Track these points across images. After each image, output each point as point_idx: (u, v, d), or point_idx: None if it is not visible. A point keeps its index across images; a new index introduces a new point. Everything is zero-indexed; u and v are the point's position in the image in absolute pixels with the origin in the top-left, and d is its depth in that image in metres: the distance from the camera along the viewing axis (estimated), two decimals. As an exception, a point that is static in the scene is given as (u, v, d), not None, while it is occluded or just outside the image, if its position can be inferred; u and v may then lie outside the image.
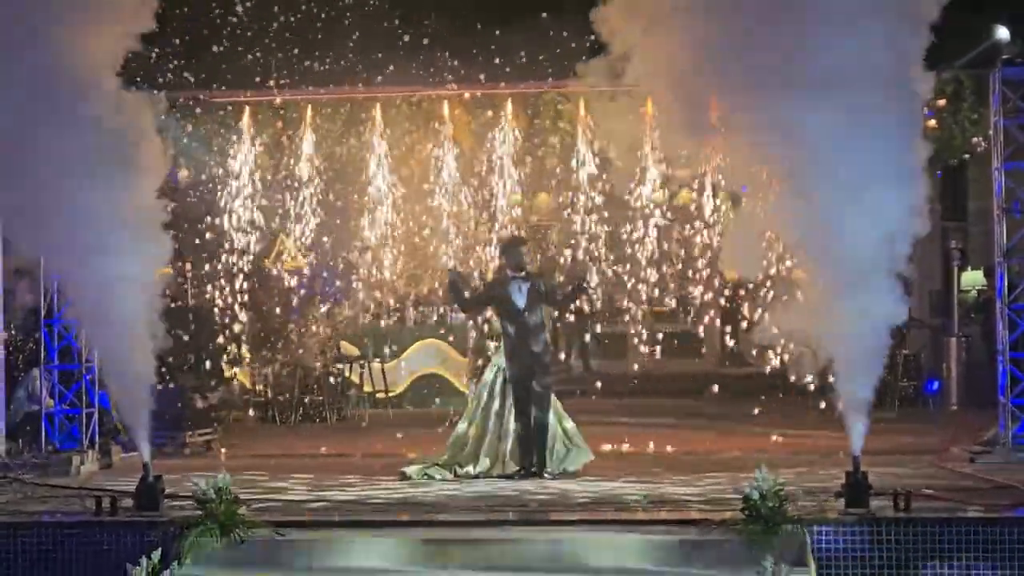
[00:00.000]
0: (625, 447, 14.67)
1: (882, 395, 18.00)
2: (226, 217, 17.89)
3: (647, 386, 20.30)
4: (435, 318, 20.84)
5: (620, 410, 17.94)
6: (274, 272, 19.40)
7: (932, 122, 16.75)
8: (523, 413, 12.47)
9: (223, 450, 15.34)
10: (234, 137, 17.47)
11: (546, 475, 12.35)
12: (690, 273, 18.07)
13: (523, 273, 12.57)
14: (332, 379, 18.83)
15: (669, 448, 14.64)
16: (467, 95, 17.21)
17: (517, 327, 12.49)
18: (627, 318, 19.91)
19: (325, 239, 18.73)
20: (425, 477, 12.36)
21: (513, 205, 18.31)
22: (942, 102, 16.76)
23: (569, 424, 12.70)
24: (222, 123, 17.62)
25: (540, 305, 12.59)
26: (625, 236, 18.18)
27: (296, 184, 17.89)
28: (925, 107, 16.08)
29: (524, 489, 11.83)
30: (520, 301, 12.46)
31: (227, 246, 18.40)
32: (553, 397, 12.64)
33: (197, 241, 18.71)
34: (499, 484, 12.11)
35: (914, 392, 18.86)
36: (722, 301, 20.46)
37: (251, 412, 18.70)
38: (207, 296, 19.29)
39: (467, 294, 13.31)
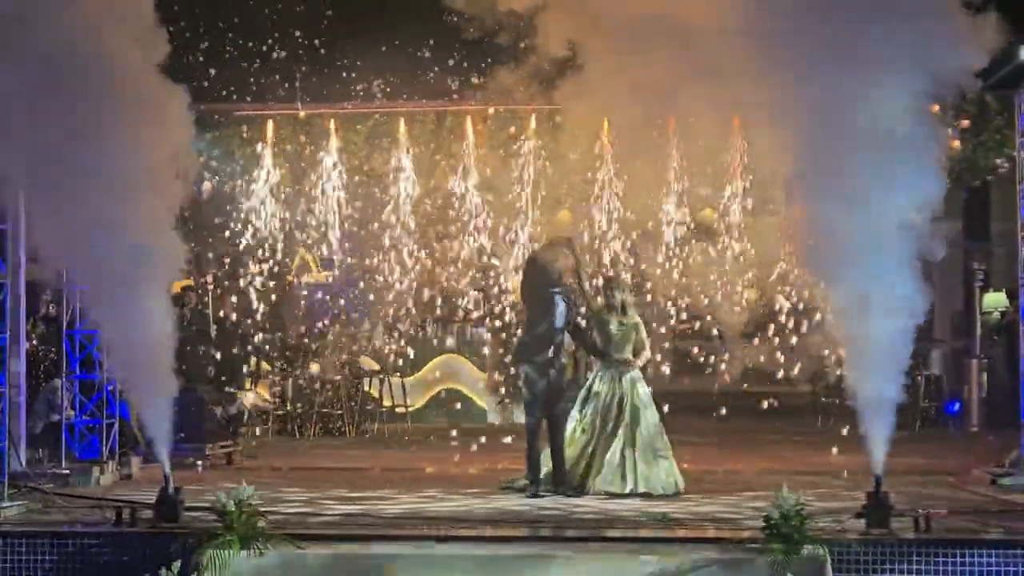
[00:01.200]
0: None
1: (903, 416, 18.06)
2: (248, 230, 17.86)
3: (666, 403, 20.23)
4: (454, 333, 20.86)
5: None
6: (296, 286, 19.40)
7: (956, 143, 16.69)
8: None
9: (244, 462, 15.39)
10: (256, 149, 17.49)
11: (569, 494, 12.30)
12: (713, 292, 17.93)
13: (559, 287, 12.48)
14: (351, 393, 18.83)
15: (686, 466, 14.59)
16: (491, 110, 17.21)
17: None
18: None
19: (346, 255, 18.69)
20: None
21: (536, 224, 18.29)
22: (966, 123, 16.69)
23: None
24: (245, 136, 17.67)
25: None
26: (646, 255, 18.10)
27: (319, 198, 17.89)
28: (949, 128, 16.28)
29: (534, 504, 11.84)
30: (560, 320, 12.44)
31: (249, 259, 18.42)
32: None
33: (219, 255, 18.76)
34: (510, 500, 12.10)
35: (935, 413, 18.79)
36: (740, 316, 20.43)
37: (271, 425, 18.69)
38: (229, 308, 19.33)
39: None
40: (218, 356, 17.41)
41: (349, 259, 18.85)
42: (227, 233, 18.19)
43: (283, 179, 17.63)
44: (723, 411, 18.08)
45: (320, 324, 19.11)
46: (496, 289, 18.79)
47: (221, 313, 19.31)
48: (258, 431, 18.49)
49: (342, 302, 19.17)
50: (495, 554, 9.71)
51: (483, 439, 16.41)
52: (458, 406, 20.08)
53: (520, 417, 19.03)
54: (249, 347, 19.45)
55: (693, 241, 17.64)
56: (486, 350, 19.56)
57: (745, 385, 19.75)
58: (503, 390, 20.00)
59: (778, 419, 18.88)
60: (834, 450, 14.90)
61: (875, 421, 9.99)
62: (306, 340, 19.10)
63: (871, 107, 9.53)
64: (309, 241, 18.51)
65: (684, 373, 21.00)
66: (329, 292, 19.25)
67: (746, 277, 17.80)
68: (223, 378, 17.24)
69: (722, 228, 17.44)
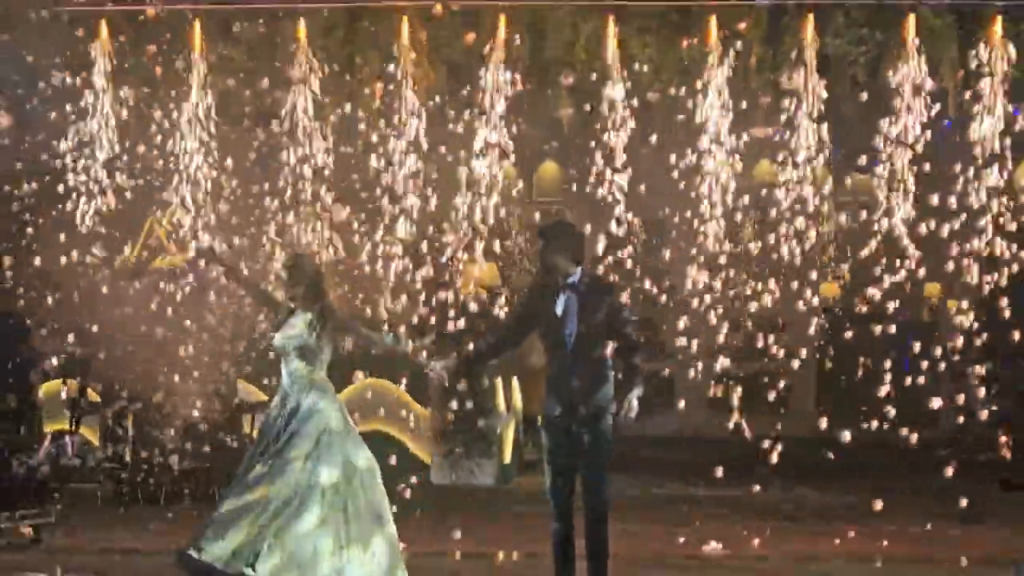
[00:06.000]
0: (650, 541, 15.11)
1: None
2: (66, 186, 17.73)
3: (698, 453, 20.28)
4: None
5: (651, 491, 17.95)
6: (141, 273, 19.29)
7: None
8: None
9: (58, 540, 15.26)
10: (84, 61, 17.38)
11: None
12: (772, 287, 17.99)
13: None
14: (225, 436, 18.73)
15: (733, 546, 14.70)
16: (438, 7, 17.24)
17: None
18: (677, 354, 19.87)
19: (217, 228, 18.59)
20: None
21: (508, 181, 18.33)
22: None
23: None
24: (69, 39, 17.56)
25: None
26: (672, 228, 18.17)
27: (176, 139, 17.78)
28: None
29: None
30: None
31: (66, 231, 18.28)
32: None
33: (20, 224, 18.64)
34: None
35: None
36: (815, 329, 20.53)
37: (103, 484, 18.59)
38: (31, 306, 19.23)
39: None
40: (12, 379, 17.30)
41: (217, 237, 18.71)
42: (29, 189, 18.06)
43: (122, 106, 17.52)
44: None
45: (176, 330, 18.95)
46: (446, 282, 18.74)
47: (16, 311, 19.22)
48: (83, 491, 18.36)
49: (211, 298, 18.97)
50: None
51: (418, 513, 16.29)
52: (390, 460, 19.97)
53: (478, 476, 19.13)
54: (65, 365, 19.29)
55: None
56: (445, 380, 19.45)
57: (823, 423, 19.77)
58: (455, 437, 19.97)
59: (871, 480, 18.92)
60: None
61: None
62: (157, 354, 18.95)
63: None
64: (162, 210, 18.41)
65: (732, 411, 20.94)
66: (191, 284, 19.05)
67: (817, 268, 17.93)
68: (25, 414, 17.13)
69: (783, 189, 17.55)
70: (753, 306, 18.16)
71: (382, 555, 11.79)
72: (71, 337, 19.36)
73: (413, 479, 15.90)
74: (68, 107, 17.61)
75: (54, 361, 19.35)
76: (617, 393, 12.22)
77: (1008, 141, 17.28)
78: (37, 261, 18.98)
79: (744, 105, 17.50)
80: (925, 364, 16.97)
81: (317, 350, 12.16)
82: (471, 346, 13.36)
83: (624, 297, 13.48)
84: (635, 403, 11.99)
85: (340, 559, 11.58)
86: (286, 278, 12.34)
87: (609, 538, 12.21)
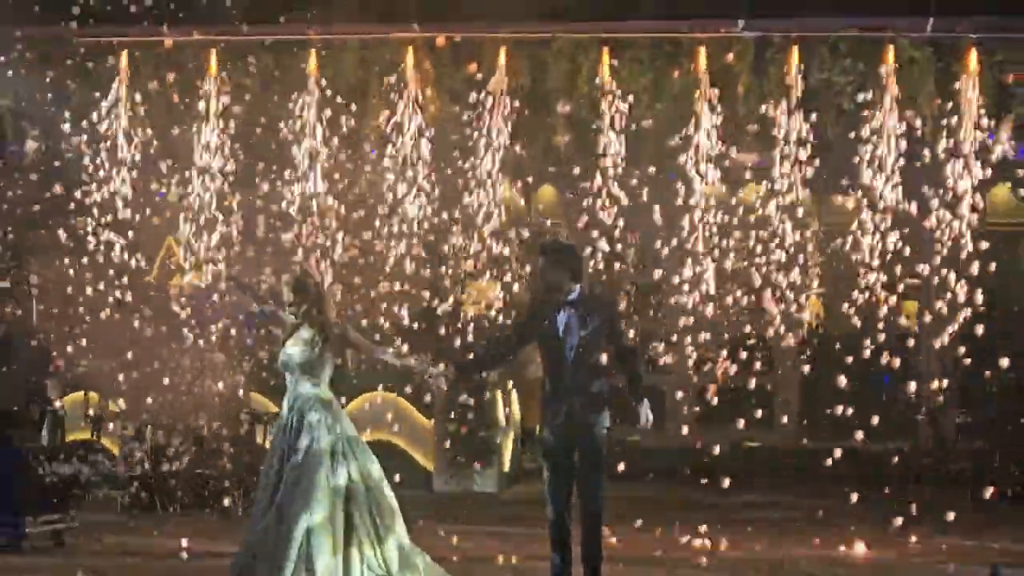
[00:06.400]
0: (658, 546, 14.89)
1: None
2: (91, 208, 17.74)
3: (694, 464, 20.28)
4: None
5: (653, 500, 17.87)
6: (161, 291, 19.25)
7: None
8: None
9: (78, 545, 15.24)
10: (107, 93, 17.41)
11: None
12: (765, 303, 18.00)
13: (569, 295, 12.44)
14: (238, 447, 18.65)
15: (721, 552, 14.64)
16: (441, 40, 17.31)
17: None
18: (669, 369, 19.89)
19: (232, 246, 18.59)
20: None
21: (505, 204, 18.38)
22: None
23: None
24: (89, 74, 17.59)
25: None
26: (665, 245, 18.17)
27: (195, 163, 17.81)
28: None
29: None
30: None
31: (90, 247, 18.28)
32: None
33: (46, 243, 18.60)
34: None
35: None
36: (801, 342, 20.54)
37: (120, 491, 18.49)
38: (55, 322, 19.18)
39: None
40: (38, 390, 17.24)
41: (230, 253, 18.70)
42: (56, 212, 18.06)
43: (141, 134, 17.54)
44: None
45: (193, 345, 18.87)
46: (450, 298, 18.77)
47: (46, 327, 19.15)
48: (103, 497, 18.28)
49: (225, 316, 18.91)
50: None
51: (420, 522, 16.24)
52: (396, 477, 19.89)
53: (479, 483, 19.07)
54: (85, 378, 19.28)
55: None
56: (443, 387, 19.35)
57: (805, 440, 19.73)
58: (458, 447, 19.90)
59: (854, 489, 18.85)
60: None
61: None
62: (176, 368, 18.86)
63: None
64: (183, 232, 18.42)
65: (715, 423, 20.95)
66: (207, 301, 19.00)
67: (803, 286, 17.92)
68: (51, 422, 17.06)
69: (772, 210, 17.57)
70: (740, 322, 18.19)
71: (392, 560, 11.75)
72: (92, 352, 19.36)
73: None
74: (90, 131, 17.64)
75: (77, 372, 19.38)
76: (618, 400, 12.31)
77: (980, 165, 17.31)
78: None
79: (733, 130, 17.52)
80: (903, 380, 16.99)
81: (319, 365, 12.11)
82: (471, 355, 13.38)
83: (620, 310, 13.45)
84: (649, 413, 12.18)
85: (336, 560, 11.54)
86: (290, 296, 12.28)
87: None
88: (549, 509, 12.31)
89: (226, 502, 18.12)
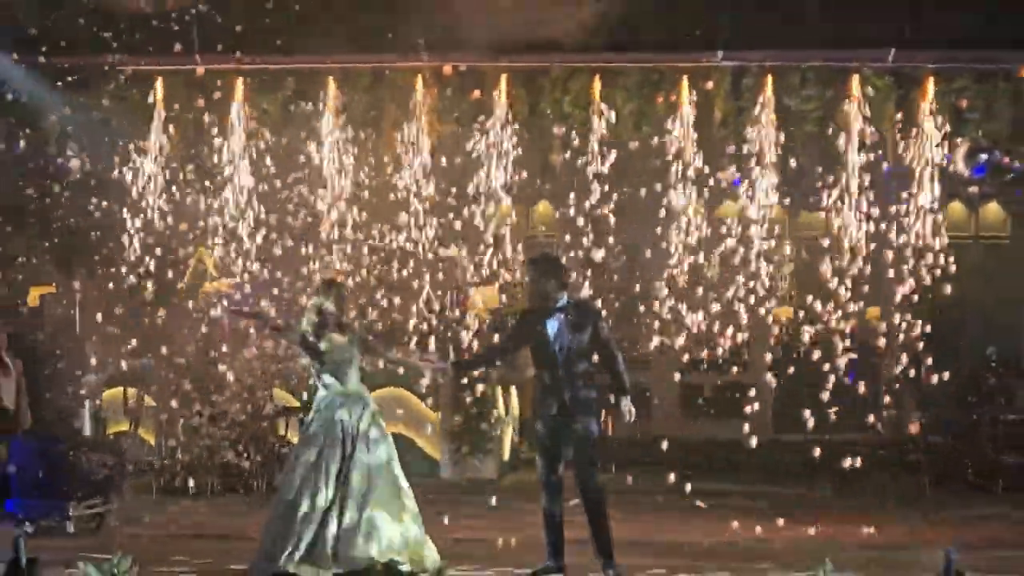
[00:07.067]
0: (648, 534, 14.77)
1: (982, 474, 18.17)
2: (129, 220, 17.78)
3: (675, 457, 20.29)
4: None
5: (640, 488, 17.87)
6: (192, 296, 19.25)
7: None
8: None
9: (117, 526, 15.30)
10: (143, 117, 17.49)
11: None
12: (737, 308, 18.04)
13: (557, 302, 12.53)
14: (262, 436, 18.68)
15: (701, 535, 14.63)
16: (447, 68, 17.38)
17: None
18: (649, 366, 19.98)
19: (256, 256, 18.58)
20: None
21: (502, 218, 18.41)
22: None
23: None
24: (129, 100, 17.66)
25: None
26: (650, 256, 18.23)
27: (221, 182, 17.85)
28: None
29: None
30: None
31: (131, 259, 18.32)
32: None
33: (89, 253, 18.64)
34: None
35: (1021, 470, 18.75)
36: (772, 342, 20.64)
37: (156, 478, 18.54)
38: (100, 323, 19.22)
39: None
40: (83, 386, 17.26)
41: (258, 262, 18.68)
42: (100, 227, 18.10)
43: (176, 155, 17.60)
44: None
45: (221, 346, 18.88)
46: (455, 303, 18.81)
47: (90, 330, 19.19)
48: (140, 485, 18.32)
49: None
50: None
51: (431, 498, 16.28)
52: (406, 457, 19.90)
53: (481, 471, 19.11)
54: (126, 374, 19.34)
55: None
56: (440, 381, 19.40)
57: (774, 432, 19.73)
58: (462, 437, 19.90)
59: (819, 476, 18.90)
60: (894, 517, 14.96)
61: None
62: (205, 366, 18.89)
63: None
64: (212, 240, 18.43)
65: (699, 416, 21.02)
66: (234, 304, 18.97)
67: (773, 294, 17.98)
68: (93, 415, 17.09)
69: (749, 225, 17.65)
70: (718, 325, 18.21)
71: (409, 527, 11.89)
72: (131, 350, 19.42)
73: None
74: (130, 150, 17.71)
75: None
76: (603, 396, 12.42)
77: (938, 184, 17.37)
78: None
79: (712, 151, 17.58)
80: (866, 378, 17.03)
81: (349, 366, 12.20)
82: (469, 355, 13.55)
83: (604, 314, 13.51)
84: (631, 407, 12.25)
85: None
86: (328, 303, 12.32)
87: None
88: (544, 491, 12.46)
89: (254, 487, 18.23)
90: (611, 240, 18.07)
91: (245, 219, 18.06)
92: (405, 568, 11.67)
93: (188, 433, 18.67)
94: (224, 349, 18.79)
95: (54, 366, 17.96)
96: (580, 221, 17.89)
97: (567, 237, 18.05)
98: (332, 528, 11.62)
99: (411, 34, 17.12)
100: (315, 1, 17.32)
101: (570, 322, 12.29)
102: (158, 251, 18.28)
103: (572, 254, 17.66)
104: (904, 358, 18.60)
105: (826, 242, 17.56)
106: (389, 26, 17.14)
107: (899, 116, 17.53)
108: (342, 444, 11.95)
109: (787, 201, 17.85)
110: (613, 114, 17.66)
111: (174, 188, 18.11)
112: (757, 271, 17.67)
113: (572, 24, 17.08)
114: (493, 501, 16.27)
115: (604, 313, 13.87)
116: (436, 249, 18.60)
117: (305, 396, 18.31)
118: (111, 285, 18.65)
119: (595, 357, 12.41)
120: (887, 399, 20.49)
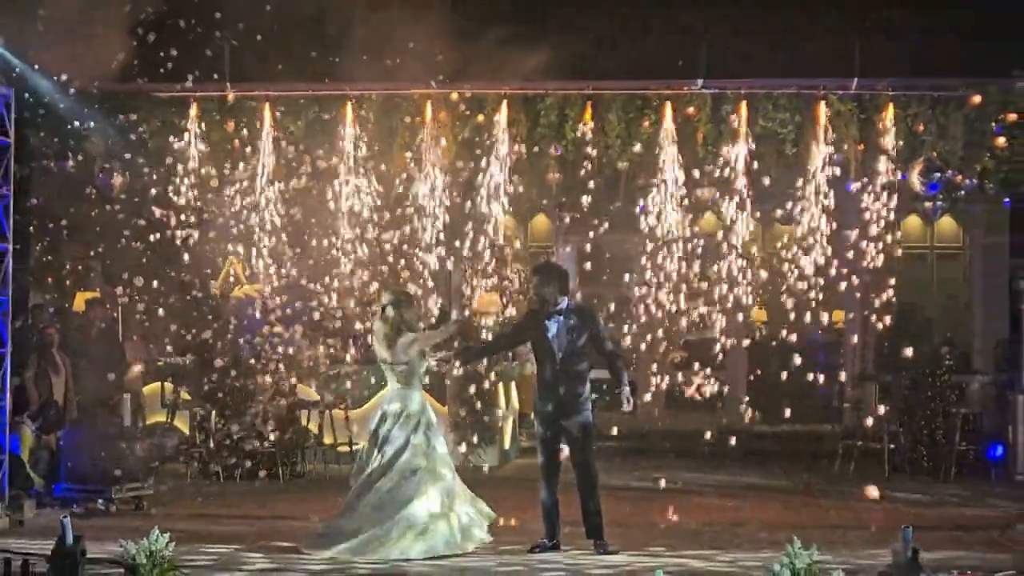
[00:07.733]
0: (633, 516, 14.73)
1: (937, 461, 18.26)
2: (166, 232, 17.89)
3: (656, 444, 20.42)
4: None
5: (624, 473, 17.96)
6: (222, 300, 19.29)
7: (1001, 140, 17.04)
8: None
9: (155, 508, 15.36)
10: (179, 138, 17.61)
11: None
12: (714, 313, 18.13)
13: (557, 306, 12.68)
14: (285, 428, 18.71)
15: (679, 517, 14.69)
16: (455, 95, 17.52)
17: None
18: (634, 363, 20.10)
19: (282, 264, 18.64)
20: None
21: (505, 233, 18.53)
22: (1013, 117, 17.07)
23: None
24: (165, 122, 17.78)
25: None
26: (637, 264, 18.34)
27: (251, 197, 17.96)
28: (993, 122, 16.69)
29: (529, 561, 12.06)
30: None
31: (166, 267, 18.42)
32: None
33: (131, 261, 18.71)
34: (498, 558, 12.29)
35: (974, 458, 18.82)
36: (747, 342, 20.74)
37: (190, 464, 18.59)
38: (142, 324, 19.29)
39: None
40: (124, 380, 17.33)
41: (283, 269, 18.74)
42: (140, 237, 18.21)
43: (208, 173, 17.75)
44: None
45: (250, 347, 18.89)
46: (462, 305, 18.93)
47: (131, 330, 19.25)
48: (175, 471, 18.40)
49: (275, 323, 18.94)
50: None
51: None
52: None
53: (484, 460, 19.19)
54: (164, 371, 19.45)
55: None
56: (446, 379, 19.46)
57: (748, 420, 19.78)
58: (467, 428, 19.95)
59: (789, 464, 19.00)
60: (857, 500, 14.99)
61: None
62: (233, 364, 18.90)
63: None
64: (240, 248, 18.51)
65: (677, 410, 21.09)
66: (261, 309, 19.03)
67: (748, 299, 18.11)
68: (133, 407, 17.15)
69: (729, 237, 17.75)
70: (699, 326, 18.34)
71: (434, 499, 12.47)
72: (169, 347, 19.55)
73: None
74: (168, 167, 17.82)
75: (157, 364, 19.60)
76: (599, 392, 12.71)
77: (896, 200, 17.45)
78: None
79: (692, 170, 17.67)
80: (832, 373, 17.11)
81: (416, 366, 12.87)
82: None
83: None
84: (630, 397, 12.55)
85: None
86: (402, 310, 12.70)
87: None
88: (542, 478, 12.61)
89: (278, 473, 18.29)
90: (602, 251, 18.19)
91: (271, 230, 18.16)
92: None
93: (218, 424, 18.70)
94: (254, 348, 18.83)
95: (99, 364, 18.01)
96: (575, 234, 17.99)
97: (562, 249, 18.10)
98: None
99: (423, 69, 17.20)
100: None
101: (569, 324, 12.47)
102: (189, 259, 18.33)
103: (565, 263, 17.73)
104: (867, 356, 18.69)
105: (795, 251, 17.63)
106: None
107: (861, 138, 17.58)
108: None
109: (758, 214, 17.91)
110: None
111: (211, 201, 18.21)
112: (734, 278, 17.75)
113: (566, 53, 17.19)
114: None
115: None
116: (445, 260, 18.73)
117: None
118: (156, 285, 18.75)
119: (593, 356, 12.61)
120: (851, 392, 20.66)
